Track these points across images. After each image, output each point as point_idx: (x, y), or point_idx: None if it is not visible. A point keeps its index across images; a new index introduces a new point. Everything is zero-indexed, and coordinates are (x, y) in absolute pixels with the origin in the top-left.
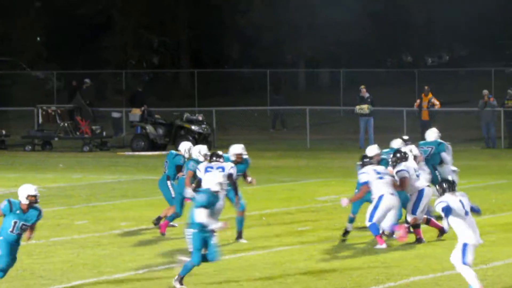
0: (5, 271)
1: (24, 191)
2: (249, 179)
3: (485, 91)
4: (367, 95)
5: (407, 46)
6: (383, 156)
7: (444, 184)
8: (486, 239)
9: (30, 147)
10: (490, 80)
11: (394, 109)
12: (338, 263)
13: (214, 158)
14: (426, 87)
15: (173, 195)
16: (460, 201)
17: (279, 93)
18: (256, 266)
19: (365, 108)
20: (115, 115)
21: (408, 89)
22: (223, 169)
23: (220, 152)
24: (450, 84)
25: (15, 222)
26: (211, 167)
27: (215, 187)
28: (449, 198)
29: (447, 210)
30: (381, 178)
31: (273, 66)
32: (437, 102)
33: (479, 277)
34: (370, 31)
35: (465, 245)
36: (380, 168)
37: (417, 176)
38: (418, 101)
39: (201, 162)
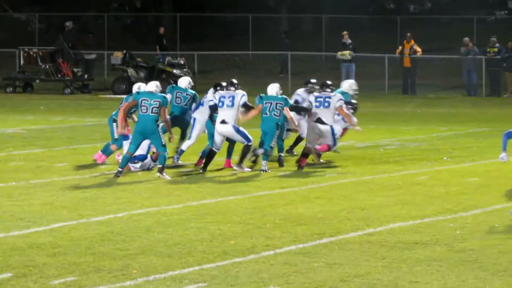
0: None
1: None
2: None
3: (467, 39)
4: (349, 41)
5: None
6: None
7: None
8: (467, 187)
9: (11, 89)
10: (472, 28)
11: (376, 55)
12: (317, 209)
13: (228, 87)
14: (408, 34)
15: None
16: None
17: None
18: (235, 211)
19: (346, 54)
20: (88, 56)
21: (390, 36)
22: (233, 98)
23: (234, 80)
24: (432, 32)
25: None
26: (224, 96)
27: None
28: None
29: None
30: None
31: (256, 11)
32: (419, 49)
33: (459, 225)
34: None
35: None
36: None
37: None
38: (400, 47)
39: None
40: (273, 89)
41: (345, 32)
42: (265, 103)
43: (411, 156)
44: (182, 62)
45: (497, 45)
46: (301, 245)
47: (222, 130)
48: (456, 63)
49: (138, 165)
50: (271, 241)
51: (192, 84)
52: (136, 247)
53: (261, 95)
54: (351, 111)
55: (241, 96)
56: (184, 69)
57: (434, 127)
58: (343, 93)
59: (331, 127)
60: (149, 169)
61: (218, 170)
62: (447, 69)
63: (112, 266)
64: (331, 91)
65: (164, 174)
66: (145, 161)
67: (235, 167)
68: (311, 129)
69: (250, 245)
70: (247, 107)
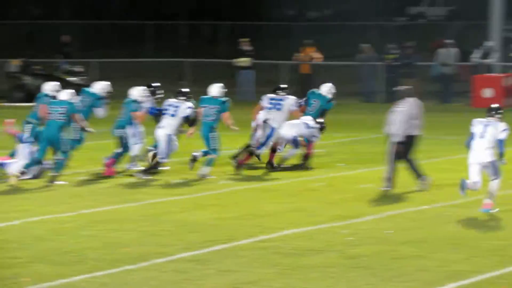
0: None
1: None
2: None
3: (366, 45)
4: (248, 48)
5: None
6: None
7: None
8: (361, 193)
9: None
10: (371, 35)
11: (275, 62)
12: (211, 216)
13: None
14: (307, 41)
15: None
16: None
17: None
18: (129, 218)
19: (245, 61)
20: None
21: (290, 43)
22: (177, 108)
23: (184, 90)
24: (331, 38)
25: None
26: (171, 105)
27: None
28: None
29: None
30: None
31: (156, 18)
32: (318, 56)
33: (352, 231)
34: None
35: None
36: None
37: None
38: (298, 54)
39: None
40: (215, 90)
41: (244, 39)
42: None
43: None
44: (79, 69)
45: (396, 51)
46: (194, 252)
47: (158, 134)
48: (355, 69)
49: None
50: (164, 248)
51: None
52: (27, 255)
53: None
54: (317, 128)
55: (185, 108)
56: (82, 77)
57: (331, 134)
58: (321, 97)
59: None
60: (37, 177)
61: (106, 177)
62: (346, 76)
63: (3, 275)
64: (285, 94)
65: (57, 181)
66: (36, 167)
67: (136, 175)
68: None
69: (143, 253)
70: (189, 122)
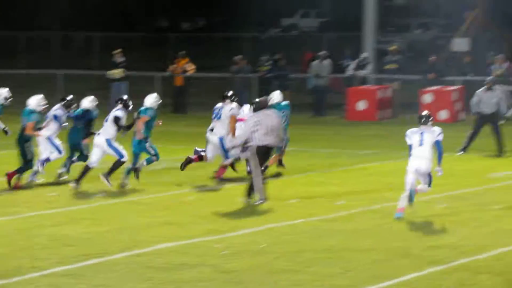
0: None
1: None
2: None
3: (239, 57)
4: (121, 59)
5: (163, 10)
6: None
7: None
8: (234, 207)
9: None
10: (244, 46)
11: (148, 73)
12: (85, 230)
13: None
14: (181, 52)
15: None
16: None
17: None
18: (2, 232)
19: (117, 72)
20: None
21: (163, 54)
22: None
23: (124, 97)
24: (205, 50)
25: None
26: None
27: None
28: None
29: None
30: None
31: (29, 29)
32: (191, 67)
33: (226, 245)
34: None
35: None
36: None
37: None
38: (172, 66)
39: None
40: (149, 100)
41: (116, 51)
42: None
43: (180, 175)
44: None
45: (269, 63)
46: (67, 267)
47: (96, 141)
48: (228, 81)
49: None
50: (37, 262)
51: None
52: None
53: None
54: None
55: (113, 112)
56: None
57: (202, 146)
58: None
59: (220, 138)
60: None
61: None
62: (220, 87)
63: None
64: (231, 102)
65: None
66: None
67: (101, 177)
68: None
69: (16, 267)
70: (119, 126)
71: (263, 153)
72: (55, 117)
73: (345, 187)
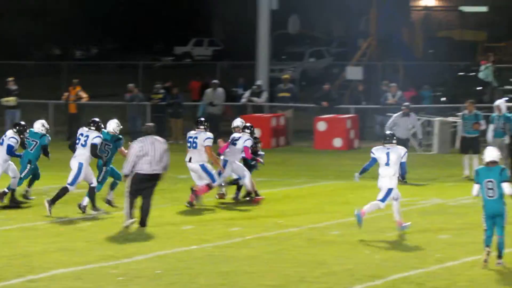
0: None
1: None
2: None
3: (131, 85)
4: (14, 87)
5: (55, 38)
6: None
7: None
8: (128, 232)
9: None
10: (137, 74)
11: (40, 101)
12: None
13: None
14: (74, 80)
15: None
16: None
17: None
18: None
19: (11, 100)
20: None
21: (56, 82)
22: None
23: (96, 119)
24: (98, 77)
25: None
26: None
27: None
28: None
29: None
30: None
31: None
32: (84, 95)
33: (122, 271)
34: (18, 24)
35: None
36: None
37: None
38: (66, 94)
39: None
40: (110, 125)
41: (9, 79)
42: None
43: (74, 201)
44: None
45: (162, 91)
46: None
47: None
48: (121, 109)
49: None
50: None
51: None
52: None
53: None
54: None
55: (93, 137)
56: None
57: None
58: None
59: (201, 165)
60: None
61: None
62: (113, 116)
63: None
64: (205, 130)
65: None
66: None
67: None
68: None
69: None
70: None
71: (141, 180)
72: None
73: (239, 213)
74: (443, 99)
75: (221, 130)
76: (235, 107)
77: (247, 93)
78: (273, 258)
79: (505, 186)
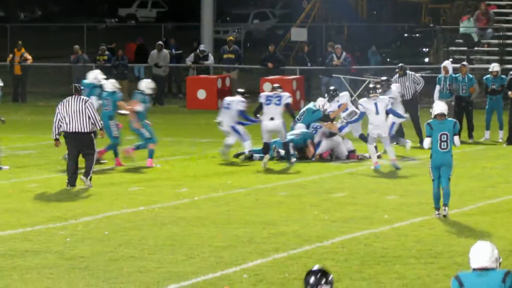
0: None
1: None
2: None
3: (76, 47)
4: None
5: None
6: None
7: None
8: (73, 194)
9: None
10: (82, 36)
11: None
12: None
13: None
14: (19, 42)
15: None
16: None
17: None
18: None
19: None
20: None
21: (0, 43)
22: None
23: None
24: (42, 39)
25: None
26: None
27: None
28: None
29: None
30: None
31: None
32: (29, 57)
33: (69, 232)
34: None
35: None
36: None
37: None
38: (10, 55)
39: None
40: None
41: None
42: None
43: (21, 163)
44: None
45: (107, 52)
46: None
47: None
48: (67, 71)
49: None
50: None
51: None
52: None
53: None
54: None
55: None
56: None
57: (44, 135)
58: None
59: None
60: None
61: None
62: (58, 77)
63: None
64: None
65: None
66: None
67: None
68: None
69: None
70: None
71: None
72: None
73: (187, 175)
74: (388, 60)
75: (167, 92)
76: (181, 69)
77: (190, 57)
78: (222, 218)
79: (456, 139)
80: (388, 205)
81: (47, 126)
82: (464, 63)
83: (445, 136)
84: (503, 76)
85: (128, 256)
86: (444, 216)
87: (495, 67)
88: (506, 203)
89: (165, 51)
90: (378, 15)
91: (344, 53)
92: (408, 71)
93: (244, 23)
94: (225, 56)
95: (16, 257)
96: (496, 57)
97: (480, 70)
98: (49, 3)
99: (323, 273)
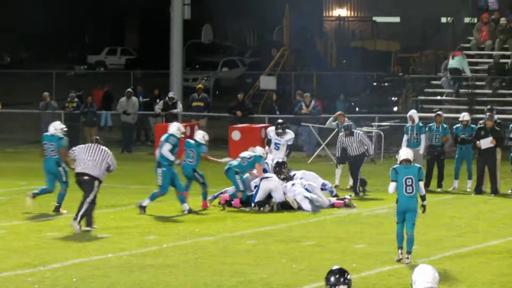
0: None
1: None
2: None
3: (46, 93)
4: None
5: None
6: None
7: None
8: (45, 241)
9: None
10: (51, 82)
11: None
12: None
13: None
14: None
15: None
16: None
17: None
18: None
19: None
20: None
21: None
22: None
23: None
24: (11, 85)
25: None
26: None
27: None
28: None
29: None
30: None
31: None
32: None
33: (38, 279)
34: None
35: None
36: None
37: None
38: None
39: None
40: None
41: None
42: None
43: None
44: None
45: (76, 99)
46: None
47: None
48: (36, 117)
49: None
50: None
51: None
52: None
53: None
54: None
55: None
56: None
57: (12, 181)
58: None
59: None
60: None
61: None
62: (27, 124)
63: None
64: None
65: None
66: None
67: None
68: None
69: None
70: None
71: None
72: None
73: (155, 222)
74: (357, 109)
75: (134, 138)
76: (149, 116)
77: (159, 104)
78: (190, 266)
79: (421, 184)
80: (356, 253)
81: (16, 172)
82: (439, 112)
83: (410, 180)
84: (473, 125)
85: None
86: (407, 264)
87: (465, 116)
88: (474, 253)
89: (134, 98)
90: (348, 63)
91: (313, 102)
92: (355, 131)
93: (213, 71)
94: (194, 103)
95: None
96: (465, 107)
97: (449, 119)
98: (17, 49)
99: (342, 272)
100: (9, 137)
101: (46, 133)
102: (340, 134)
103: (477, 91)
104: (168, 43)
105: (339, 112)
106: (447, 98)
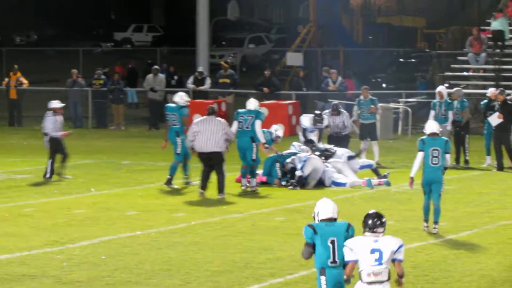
0: None
1: None
2: None
3: (74, 70)
4: None
5: None
6: None
7: None
8: (73, 219)
9: None
10: (78, 60)
11: None
12: None
13: None
14: (15, 66)
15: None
16: None
17: None
18: None
19: None
20: None
21: None
22: None
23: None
24: (38, 64)
25: None
26: None
27: None
28: None
29: None
30: None
31: None
32: (25, 81)
33: (66, 256)
34: None
35: None
36: None
37: None
38: (6, 79)
39: None
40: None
41: None
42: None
43: (17, 188)
44: None
45: (103, 77)
46: None
47: None
48: (63, 94)
49: None
50: None
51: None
52: None
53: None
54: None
55: None
56: None
57: (40, 159)
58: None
59: None
60: None
61: None
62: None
63: None
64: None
65: None
66: None
67: None
68: None
69: None
70: None
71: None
72: None
73: (184, 199)
74: (384, 85)
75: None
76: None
77: (190, 80)
78: (218, 243)
79: (448, 157)
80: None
81: (43, 150)
82: (458, 88)
83: (436, 151)
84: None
85: (124, 281)
86: (434, 233)
87: (492, 91)
88: (502, 229)
89: (161, 75)
90: (374, 40)
91: (340, 78)
92: (342, 110)
93: (240, 48)
94: (220, 80)
95: (13, 282)
96: (492, 82)
97: (476, 95)
98: (44, 27)
99: (379, 216)
100: (37, 114)
101: (169, 104)
102: (327, 111)
103: (504, 67)
104: (194, 20)
105: (364, 87)
106: (474, 74)
